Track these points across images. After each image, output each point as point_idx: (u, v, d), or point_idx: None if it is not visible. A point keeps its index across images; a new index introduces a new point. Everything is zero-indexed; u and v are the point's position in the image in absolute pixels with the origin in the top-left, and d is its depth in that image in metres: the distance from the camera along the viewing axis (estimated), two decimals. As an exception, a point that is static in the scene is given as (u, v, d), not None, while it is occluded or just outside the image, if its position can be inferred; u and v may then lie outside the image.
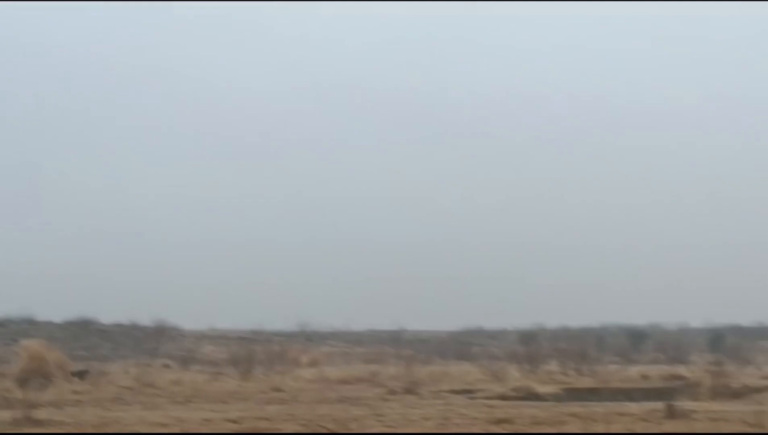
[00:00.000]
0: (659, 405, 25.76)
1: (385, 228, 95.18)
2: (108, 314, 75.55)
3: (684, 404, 26.81)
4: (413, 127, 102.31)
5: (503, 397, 34.91)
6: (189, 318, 74.26)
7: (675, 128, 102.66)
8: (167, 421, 23.63)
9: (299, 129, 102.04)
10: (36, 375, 38.86)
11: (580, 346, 54.03)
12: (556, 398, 35.37)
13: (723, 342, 70.80)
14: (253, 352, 50.55)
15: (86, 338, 71.41)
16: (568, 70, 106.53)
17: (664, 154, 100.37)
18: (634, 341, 74.86)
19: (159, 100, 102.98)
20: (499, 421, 23.23)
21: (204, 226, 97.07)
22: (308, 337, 76.49)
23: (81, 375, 41.61)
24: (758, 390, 36.29)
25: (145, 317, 74.17)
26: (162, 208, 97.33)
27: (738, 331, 76.99)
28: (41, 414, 24.22)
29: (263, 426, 22.84)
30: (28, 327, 69.64)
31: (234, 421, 23.64)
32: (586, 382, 42.63)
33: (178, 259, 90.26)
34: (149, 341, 70.06)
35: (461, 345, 76.44)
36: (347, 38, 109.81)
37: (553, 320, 77.22)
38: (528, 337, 67.87)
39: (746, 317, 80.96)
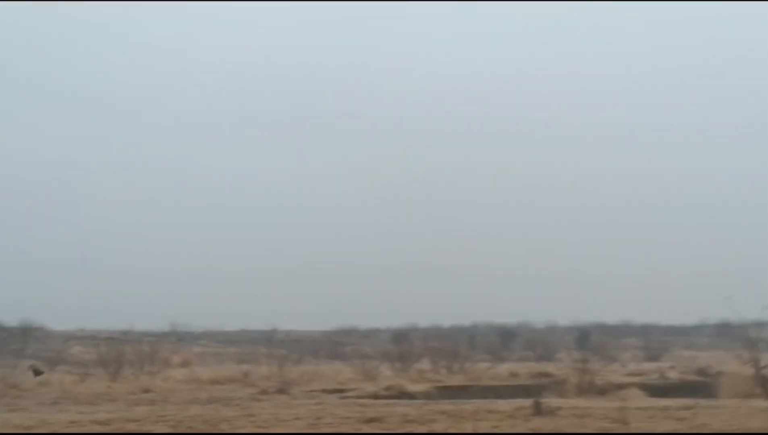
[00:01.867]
0: (527, 402, 26.25)
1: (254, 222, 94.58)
2: (-29, 315, 73.28)
3: (551, 401, 27.39)
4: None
5: (375, 396, 35.12)
6: (56, 318, 72.66)
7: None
8: (32, 423, 23.06)
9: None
10: None
11: (452, 344, 54.70)
12: (427, 396, 35.79)
13: (589, 340, 72.51)
14: (122, 353, 49.69)
15: (-52, 339, 69.20)
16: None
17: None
18: (504, 339, 76.19)
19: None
20: (370, 420, 23.33)
21: (71, 222, 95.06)
22: (180, 338, 75.61)
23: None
24: (622, 386, 37.42)
25: (10, 317, 72.21)
26: (26, 204, 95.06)
27: (603, 329, 78.92)
28: None
29: (132, 427, 22.46)
30: None
31: (102, 423, 23.20)
32: (456, 380, 43.22)
33: (45, 257, 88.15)
34: (15, 342, 68.18)
35: (334, 345, 76.55)
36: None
37: (425, 319, 78.14)
38: (400, 336, 68.38)
39: (611, 316, 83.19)
